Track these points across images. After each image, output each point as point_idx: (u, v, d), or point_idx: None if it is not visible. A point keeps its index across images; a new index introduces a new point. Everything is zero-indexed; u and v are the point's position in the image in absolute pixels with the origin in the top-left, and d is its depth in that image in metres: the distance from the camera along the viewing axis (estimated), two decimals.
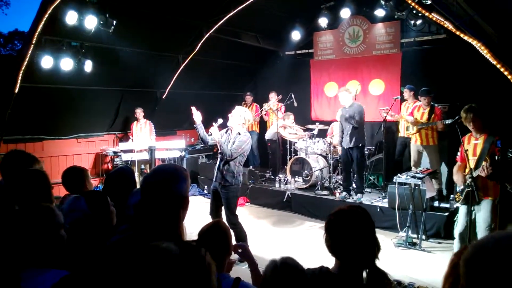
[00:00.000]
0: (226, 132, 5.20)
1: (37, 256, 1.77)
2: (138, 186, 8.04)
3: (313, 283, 1.82)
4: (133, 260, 1.25)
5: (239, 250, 2.47)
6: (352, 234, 1.78)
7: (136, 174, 8.26)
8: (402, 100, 7.74)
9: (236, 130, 5.12)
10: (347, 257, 1.81)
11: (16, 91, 6.45)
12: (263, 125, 9.90)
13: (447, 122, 6.42)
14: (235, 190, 5.24)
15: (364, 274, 1.82)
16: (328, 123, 8.60)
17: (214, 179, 5.27)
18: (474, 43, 4.33)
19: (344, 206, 1.93)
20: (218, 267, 2.34)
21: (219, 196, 5.24)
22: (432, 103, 6.89)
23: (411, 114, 7.08)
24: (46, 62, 6.33)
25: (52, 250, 1.82)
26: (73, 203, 2.40)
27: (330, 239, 1.86)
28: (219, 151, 5.12)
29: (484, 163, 4.15)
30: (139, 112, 8.48)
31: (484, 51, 4.29)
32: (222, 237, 2.45)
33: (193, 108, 5.14)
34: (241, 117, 5.12)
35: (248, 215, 7.57)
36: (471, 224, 4.37)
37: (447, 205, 6.29)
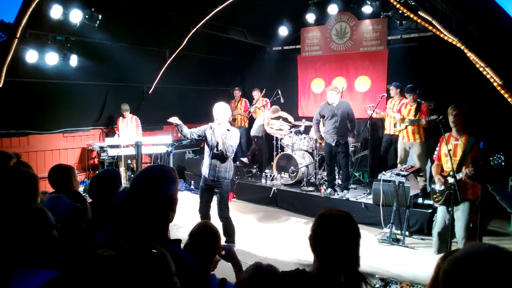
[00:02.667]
0: (210, 128, 5.17)
1: (29, 256, 1.79)
2: (124, 181, 8.05)
3: (292, 285, 1.84)
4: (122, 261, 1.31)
5: (223, 252, 2.50)
6: (337, 242, 1.80)
7: (123, 169, 8.22)
8: (388, 97, 7.83)
9: (225, 126, 5.14)
10: (329, 261, 1.83)
11: (0, 85, 6.36)
12: (252, 120, 9.92)
13: (432, 118, 6.53)
14: (229, 184, 5.40)
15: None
16: None
17: (205, 176, 5.27)
18: (458, 45, 4.40)
19: (334, 210, 1.92)
20: (206, 267, 2.38)
21: (210, 193, 5.31)
22: (418, 100, 7.00)
23: (398, 111, 7.18)
24: (31, 56, 6.24)
25: (44, 250, 1.84)
26: (54, 200, 2.42)
27: (314, 242, 1.88)
28: (217, 148, 5.07)
29: (465, 169, 4.23)
30: (125, 109, 8.37)
31: (468, 54, 4.36)
32: (212, 239, 2.48)
33: (171, 120, 5.17)
34: (228, 112, 5.22)
35: (234, 210, 7.57)
36: (451, 224, 4.47)
37: (431, 202, 6.40)
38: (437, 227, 4.67)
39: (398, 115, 7.11)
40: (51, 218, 1.93)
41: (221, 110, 5.13)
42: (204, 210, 5.36)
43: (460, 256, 1.10)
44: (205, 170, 5.29)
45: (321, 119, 7.30)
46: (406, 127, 7.07)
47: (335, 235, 1.80)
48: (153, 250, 1.39)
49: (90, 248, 2.02)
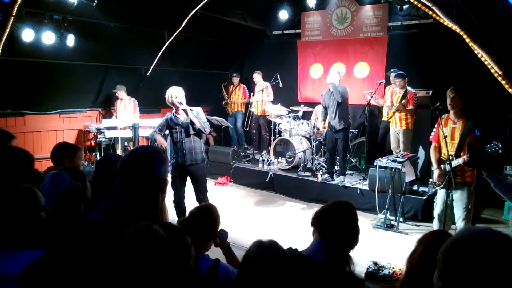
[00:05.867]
0: (173, 114, 5.11)
1: (15, 236, 1.77)
2: None
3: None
4: (123, 240, 1.28)
5: (218, 240, 2.52)
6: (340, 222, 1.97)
7: (119, 151, 8.22)
8: (387, 84, 7.80)
9: (189, 110, 5.00)
10: (331, 239, 1.94)
11: None
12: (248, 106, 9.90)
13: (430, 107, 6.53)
14: (205, 166, 5.32)
15: None
16: (313, 104, 8.64)
17: (180, 162, 5.08)
18: (458, 31, 4.36)
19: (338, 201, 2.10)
20: (198, 249, 2.39)
21: (183, 180, 5.16)
22: (408, 87, 7.01)
23: (390, 99, 7.24)
24: (27, 35, 6.14)
25: (31, 231, 1.82)
26: (55, 177, 2.41)
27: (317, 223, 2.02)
28: (193, 128, 5.00)
29: (463, 154, 4.25)
30: (120, 90, 8.30)
31: (466, 40, 4.33)
32: (211, 222, 2.48)
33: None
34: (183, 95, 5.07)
35: (231, 194, 7.64)
36: (446, 207, 4.52)
37: (426, 189, 6.46)
38: (437, 208, 4.73)
39: (387, 102, 7.20)
40: (41, 199, 1.90)
41: (182, 92, 5.00)
42: (180, 199, 5.17)
43: (461, 237, 1.10)
44: (179, 159, 5.08)
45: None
46: (393, 113, 7.10)
47: (338, 216, 1.98)
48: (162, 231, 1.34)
49: (82, 227, 2.01)
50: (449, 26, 4.41)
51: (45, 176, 2.61)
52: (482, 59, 4.21)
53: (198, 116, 5.04)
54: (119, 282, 1.23)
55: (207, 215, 2.48)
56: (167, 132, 5.30)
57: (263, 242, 1.74)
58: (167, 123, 5.15)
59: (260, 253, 1.69)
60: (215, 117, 8.50)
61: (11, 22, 6.01)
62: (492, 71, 4.25)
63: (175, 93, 4.94)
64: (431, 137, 4.78)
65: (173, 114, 5.09)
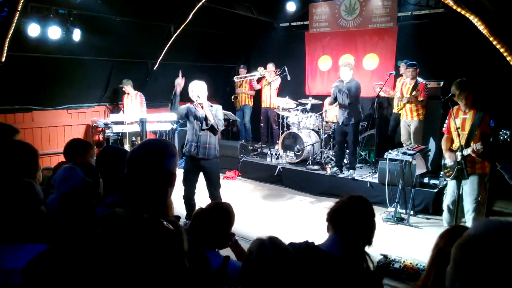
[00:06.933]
0: (194, 106, 5.11)
1: (15, 231, 1.74)
2: None
3: (300, 259, 1.82)
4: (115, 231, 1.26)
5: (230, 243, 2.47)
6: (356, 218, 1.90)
7: (127, 146, 8.20)
8: (397, 75, 7.67)
9: (206, 104, 5.01)
10: (347, 234, 1.89)
11: (3, 60, 6.29)
12: (257, 99, 9.80)
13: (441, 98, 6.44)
14: (218, 163, 5.30)
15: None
16: (322, 97, 8.53)
17: (193, 155, 5.07)
18: (471, 18, 4.24)
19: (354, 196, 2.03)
20: (210, 246, 2.33)
21: (195, 174, 5.17)
22: (418, 78, 6.88)
23: (400, 91, 7.13)
24: (33, 30, 6.15)
25: (31, 225, 1.79)
26: (67, 172, 2.39)
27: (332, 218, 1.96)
28: (206, 123, 5.03)
29: (474, 144, 4.17)
30: (127, 85, 8.28)
31: (480, 27, 4.21)
32: (226, 222, 2.43)
33: (180, 74, 5.06)
34: (206, 89, 5.07)
35: (239, 188, 7.60)
36: (459, 199, 4.45)
37: (437, 182, 6.35)
38: (447, 200, 4.66)
39: (398, 93, 7.07)
40: (40, 193, 1.87)
41: (201, 87, 5.01)
42: (190, 194, 5.17)
43: (481, 230, 1.02)
44: (191, 150, 5.07)
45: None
46: (404, 105, 6.98)
47: (354, 212, 1.91)
48: (169, 226, 1.31)
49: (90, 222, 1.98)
50: (462, 13, 4.29)
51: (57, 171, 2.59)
52: (498, 46, 4.08)
53: (216, 113, 5.05)
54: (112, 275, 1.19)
55: (222, 214, 2.43)
56: (182, 112, 5.23)
57: (263, 240, 1.69)
58: (186, 110, 5.15)
59: (261, 251, 1.65)
60: (222, 111, 8.43)
61: (16, 17, 6.00)
62: (508, 58, 4.13)
63: (192, 87, 5.02)
64: (443, 128, 4.70)
65: (194, 106, 5.12)
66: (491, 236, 0.97)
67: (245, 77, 9.54)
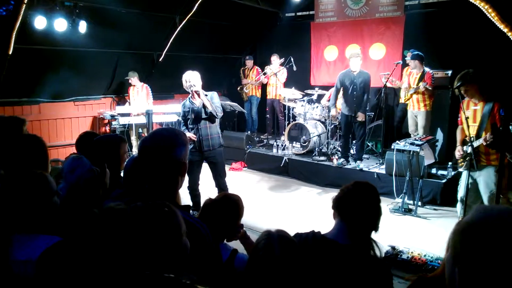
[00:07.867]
0: (188, 100, 5.10)
1: (29, 222, 1.75)
2: (135, 150, 8.04)
3: (307, 249, 1.82)
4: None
5: (239, 235, 2.47)
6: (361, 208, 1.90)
7: (134, 137, 8.24)
8: (404, 65, 7.60)
9: (201, 91, 5.00)
10: (352, 221, 1.90)
11: (10, 52, 6.30)
12: (263, 90, 9.77)
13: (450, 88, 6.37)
14: (222, 152, 5.26)
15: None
16: (328, 88, 8.48)
17: (197, 149, 5.06)
18: (481, 5, 4.17)
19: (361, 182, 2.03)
20: (220, 238, 2.34)
21: (199, 165, 5.17)
22: (425, 67, 6.82)
23: (408, 81, 7.08)
24: (39, 22, 6.15)
25: (44, 216, 1.80)
26: (74, 161, 2.41)
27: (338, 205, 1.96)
28: (205, 112, 4.98)
29: (484, 134, 4.13)
30: (133, 77, 8.27)
31: (491, 14, 4.14)
32: (235, 214, 2.43)
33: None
34: (200, 78, 5.05)
35: (246, 179, 7.62)
36: (468, 191, 4.41)
37: (445, 172, 6.32)
38: (461, 191, 4.62)
39: (404, 83, 7.01)
40: (53, 184, 1.88)
41: (195, 76, 4.99)
42: (195, 185, 5.18)
43: (470, 219, 1.01)
44: (195, 144, 5.05)
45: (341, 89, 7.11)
46: (411, 95, 6.93)
47: (360, 198, 1.92)
48: (165, 208, 1.36)
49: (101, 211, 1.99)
50: (472, 0, 4.22)
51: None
52: (509, 34, 4.02)
53: (211, 100, 5.02)
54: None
55: (232, 206, 2.42)
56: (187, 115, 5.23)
57: (271, 232, 1.68)
58: (183, 112, 5.15)
59: (267, 243, 1.64)
60: (228, 102, 8.42)
61: (23, 9, 6.00)
62: None
63: (187, 77, 4.98)
64: (458, 119, 4.66)
65: (189, 100, 5.09)
66: (489, 222, 0.96)
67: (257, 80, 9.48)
